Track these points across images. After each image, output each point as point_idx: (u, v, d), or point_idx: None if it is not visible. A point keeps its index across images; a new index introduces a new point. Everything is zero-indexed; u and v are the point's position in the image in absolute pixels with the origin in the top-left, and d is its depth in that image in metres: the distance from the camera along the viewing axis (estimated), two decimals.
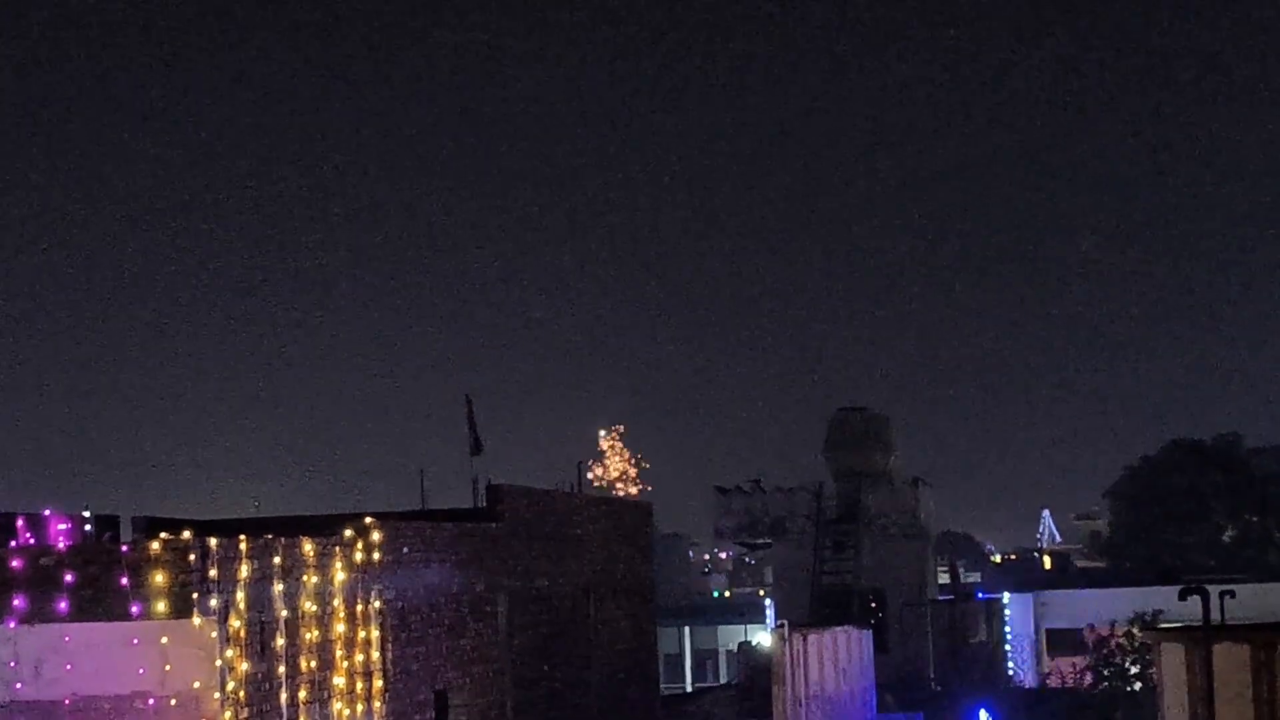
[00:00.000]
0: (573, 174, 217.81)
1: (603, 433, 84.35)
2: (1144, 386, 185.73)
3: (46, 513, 25.22)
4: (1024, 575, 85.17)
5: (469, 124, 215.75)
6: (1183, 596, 17.43)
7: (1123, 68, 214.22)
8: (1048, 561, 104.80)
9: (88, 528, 25.97)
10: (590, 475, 77.23)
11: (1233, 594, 18.22)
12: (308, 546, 22.97)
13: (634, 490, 79.16)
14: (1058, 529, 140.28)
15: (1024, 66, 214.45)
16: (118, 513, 27.97)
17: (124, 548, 20.53)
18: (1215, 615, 18.04)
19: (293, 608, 22.32)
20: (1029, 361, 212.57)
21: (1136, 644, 49.98)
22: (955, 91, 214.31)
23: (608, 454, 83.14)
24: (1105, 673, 51.66)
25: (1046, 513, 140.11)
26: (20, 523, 23.97)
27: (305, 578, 22.77)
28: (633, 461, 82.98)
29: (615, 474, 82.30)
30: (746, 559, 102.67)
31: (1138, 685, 49.83)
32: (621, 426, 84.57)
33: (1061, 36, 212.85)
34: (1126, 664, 51.00)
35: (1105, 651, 51.95)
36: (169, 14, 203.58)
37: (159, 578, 19.97)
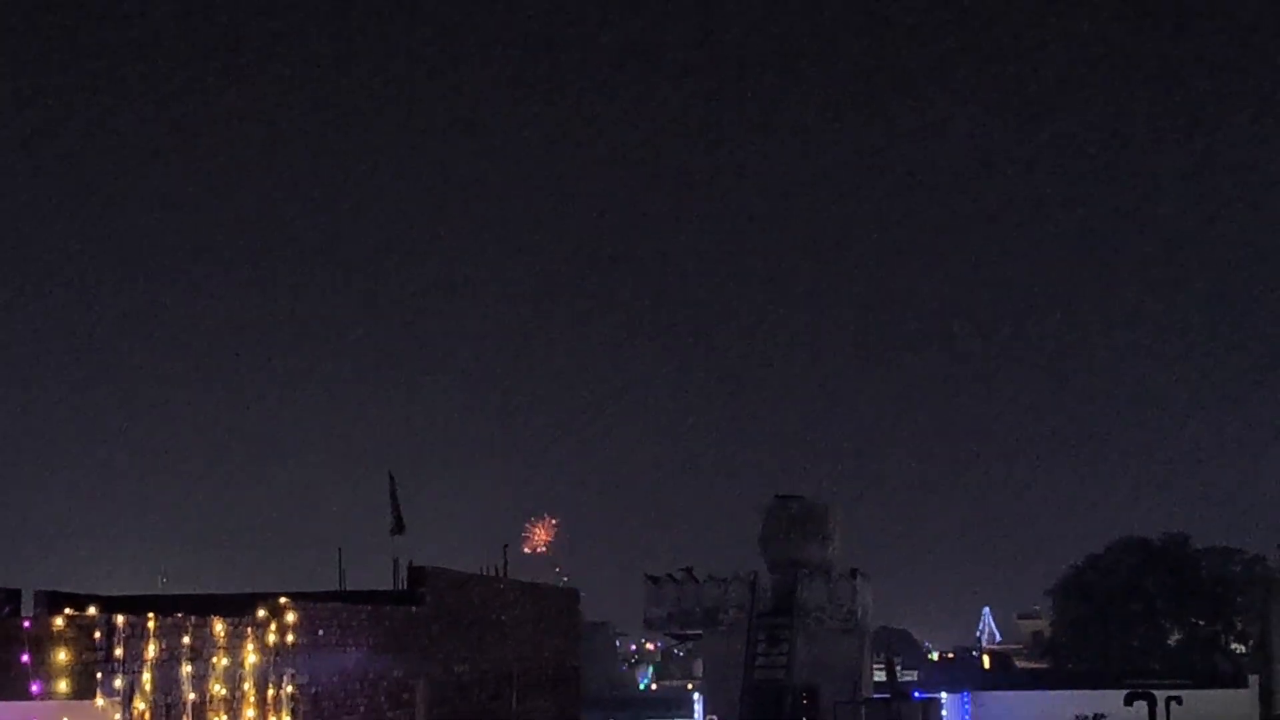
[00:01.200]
0: (503, 258, 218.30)
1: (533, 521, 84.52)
2: (1090, 485, 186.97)
3: None
4: (962, 674, 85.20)
5: (391, 210, 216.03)
6: (1129, 701, 17.48)
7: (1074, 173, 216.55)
8: (987, 661, 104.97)
9: None
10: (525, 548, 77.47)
11: (1179, 700, 18.28)
12: (219, 626, 22.83)
13: (555, 569, 79.16)
14: (999, 628, 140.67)
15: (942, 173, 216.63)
16: (19, 586, 27.76)
17: (25, 623, 20.35)
18: None
19: (201, 690, 22.18)
20: (973, 455, 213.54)
21: None
22: (886, 187, 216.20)
23: (537, 533, 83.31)
24: None
25: (987, 610, 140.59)
26: None
27: (215, 659, 22.63)
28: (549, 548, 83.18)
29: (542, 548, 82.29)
30: (675, 650, 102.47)
31: None
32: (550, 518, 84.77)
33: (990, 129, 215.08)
34: None
35: None
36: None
37: (61, 656, 19.79)
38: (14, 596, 26.82)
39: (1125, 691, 18.60)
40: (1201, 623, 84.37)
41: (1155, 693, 17.66)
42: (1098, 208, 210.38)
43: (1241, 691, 69.90)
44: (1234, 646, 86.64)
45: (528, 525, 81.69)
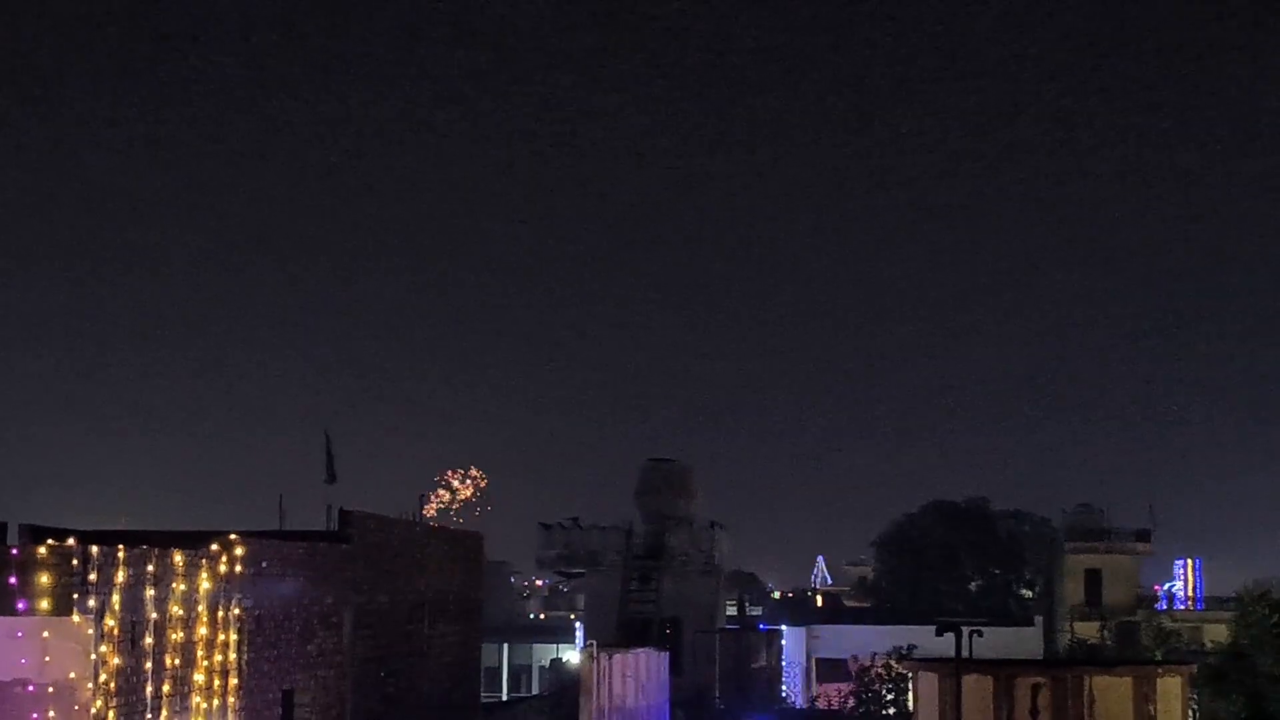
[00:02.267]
0: (430, 218, 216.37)
1: (454, 471, 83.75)
2: (908, 453, 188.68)
3: None
4: (799, 611, 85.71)
5: (341, 166, 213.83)
6: (939, 633, 17.70)
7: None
8: (820, 600, 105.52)
9: None
10: (436, 499, 76.84)
11: (980, 634, 18.55)
12: (178, 557, 22.61)
13: (475, 514, 78.76)
14: (830, 573, 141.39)
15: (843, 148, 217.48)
16: (4, 520, 27.34)
17: (13, 550, 20.09)
18: (964, 652, 18.35)
19: (161, 611, 21.96)
20: (812, 425, 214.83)
21: (893, 674, 50.59)
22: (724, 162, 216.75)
23: (458, 487, 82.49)
24: (865, 697, 52.18)
25: (821, 558, 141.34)
26: None
27: (174, 585, 22.40)
28: (476, 496, 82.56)
29: (463, 499, 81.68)
30: (560, 587, 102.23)
31: (892, 710, 50.40)
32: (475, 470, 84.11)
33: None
34: (883, 691, 51.57)
35: (866, 679, 52.48)
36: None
37: (44, 579, 19.55)
38: (0, 528, 26.41)
39: (935, 626, 18.95)
40: (997, 572, 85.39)
41: (961, 627, 18.02)
42: (901, 181, 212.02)
43: (1029, 629, 70.97)
44: (1023, 592, 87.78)
45: (448, 475, 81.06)
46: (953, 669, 17.04)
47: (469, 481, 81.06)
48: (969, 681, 17.01)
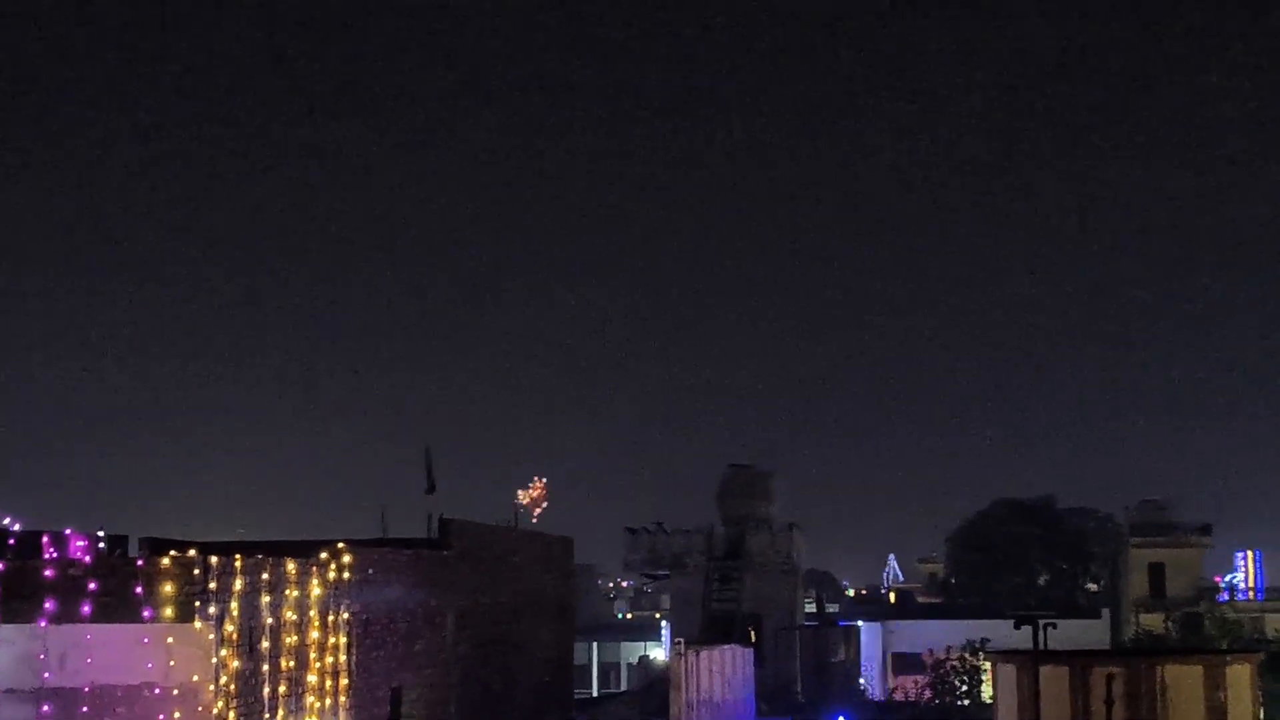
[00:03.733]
0: (520, 243, 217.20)
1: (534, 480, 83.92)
2: (978, 452, 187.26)
3: (67, 531, 24.95)
4: (874, 607, 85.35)
5: (424, 181, 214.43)
6: (1017, 626, 17.65)
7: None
8: (893, 596, 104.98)
9: (101, 545, 25.71)
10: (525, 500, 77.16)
11: (1054, 626, 18.47)
12: (290, 565, 22.86)
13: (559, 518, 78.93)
14: (901, 570, 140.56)
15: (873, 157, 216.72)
16: (126, 533, 27.68)
17: (139, 562, 20.38)
18: (1038, 643, 18.31)
19: (276, 616, 22.20)
20: (877, 425, 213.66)
21: (967, 666, 50.31)
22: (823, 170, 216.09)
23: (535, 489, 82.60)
24: (940, 689, 51.90)
25: (892, 557, 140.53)
26: (45, 539, 23.71)
27: (287, 591, 22.65)
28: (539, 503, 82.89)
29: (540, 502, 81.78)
30: (645, 588, 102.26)
31: (966, 701, 50.12)
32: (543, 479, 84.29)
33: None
34: (958, 683, 51.28)
35: (940, 672, 52.20)
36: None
37: (167, 588, 19.82)
38: (121, 541, 26.74)
39: (1011, 620, 18.81)
40: (1064, 567, 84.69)
41: (1037, 620, 17.97)
42: (976, 188, 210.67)
43: (1096, 621, 70.40)
44: (1090, 586, 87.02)
45: (523, 491, 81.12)
46: (1030, 660, 16.96)
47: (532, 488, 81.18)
48: (1046, 672, 16.95)
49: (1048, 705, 16.79)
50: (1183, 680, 16.53)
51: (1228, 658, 17.11)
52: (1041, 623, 19.00)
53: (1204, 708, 16.57)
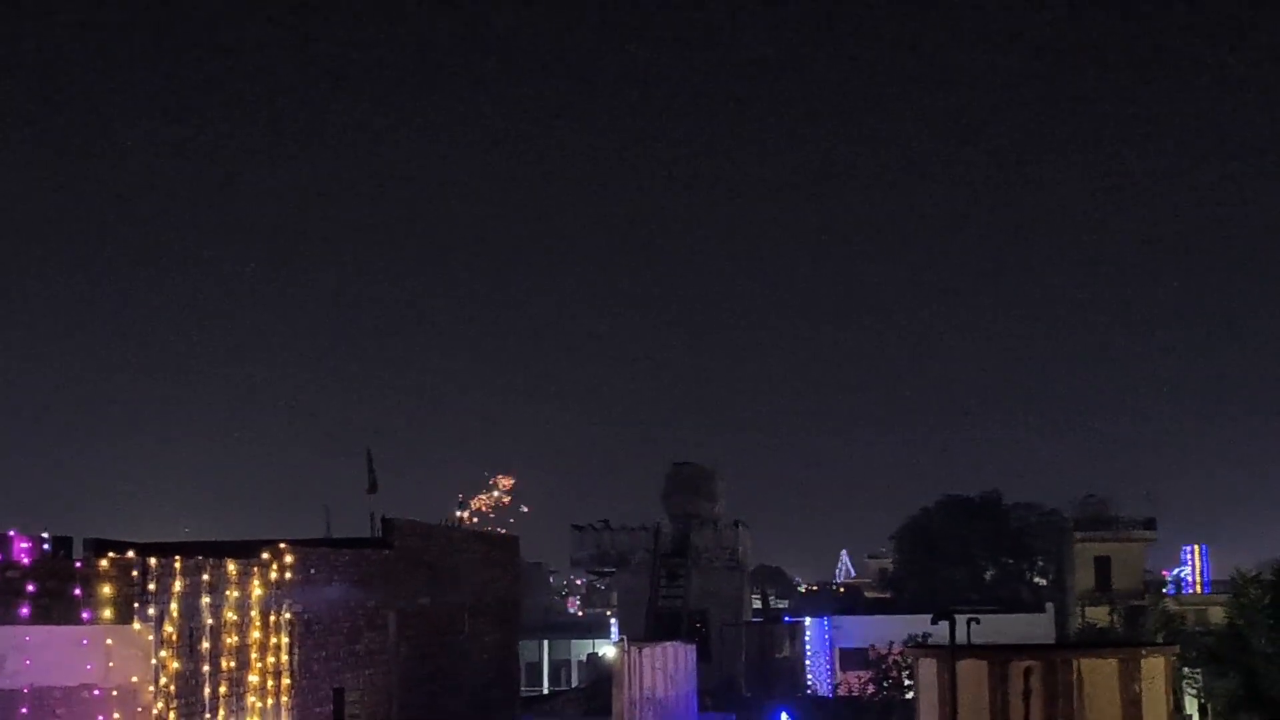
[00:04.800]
0: (466, 241, 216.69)
1: (500, 478, 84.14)
2: (923, 449, 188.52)
3: (11, 533, 25.13)
4: (824, 603, 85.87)
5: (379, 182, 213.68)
6: (934, 621, 18.09)
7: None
8: (843, 592, 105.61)
9: (45, 546, 25.87)
10: (476, 505, 77.04)
11: (978, 620, 18.87)
12: (231, 566, 23.07)
13: (510, 520, 79.31)
14: (853, 566, 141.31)
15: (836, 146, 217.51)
16: (70, 534, 27.85)
17: (78, 564, 20.60)
18: (963, 637, 18.68)
19: (217, 617, 22.40)
20: (830, 422, 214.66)
21: (909, 661, 50.81)
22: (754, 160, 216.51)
23: (499, 487, 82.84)
24: (884, 684, 52.42)
25: (844, 552, 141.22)
26: None
27: (228, 592, 22.86)
28: (508, 499, 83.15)
29: (501, 504, 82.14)
30: (597, 584, 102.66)
31: (910, 695, 50.63)
32: (509, 478, 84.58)
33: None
34: (902, 677, 51.80)
35: (884, 666, 52.72)
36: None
37: (106, 589, 20.05)
38: (65, 542, 26.92)
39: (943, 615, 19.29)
40: (1010, 562, 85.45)
41: (958, 616, 18.31)
42: (920, 180, 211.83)
43: (1041, 615, 71.12)
44: (1036, 580, 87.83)
45: (492, 480, 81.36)
46: (949, 654, 17.42)
47: (497, 486, 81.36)
48: (964, 666, 17.39)
49: (965, 699, 17.25)
50: (1098, 673, 17.01)
51: (1143, 650, 17.61)
52: (965, 617, 19.40)
53: (1120, 700, 17.06)
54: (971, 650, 17.58)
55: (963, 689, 17.24)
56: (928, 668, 18.13)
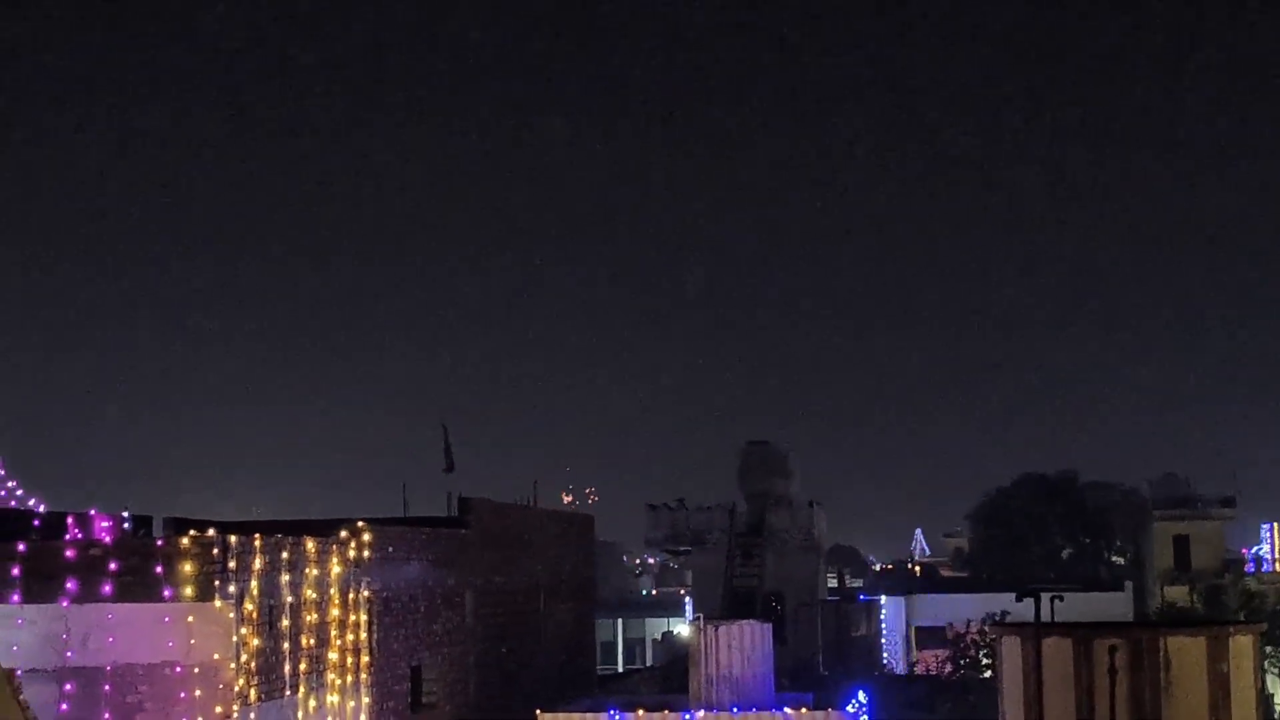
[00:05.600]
0: (538, 217, 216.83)
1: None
2: (1001, 428, 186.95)
3: (92, 512, 25.32)
4: (899, 582, 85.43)
5: (455, 142, 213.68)
6: (1019, 598, 17.85)
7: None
8: (918, 571, 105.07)
9: (126, 525, 26.07)
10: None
11: (1061, 598, 18.65)
12: (310, 544, 23.18)
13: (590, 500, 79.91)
14: (928, 545, 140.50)
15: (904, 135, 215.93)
16: (151, 514, 28.06)
17: (159, 542, 20.73)
18: (1046, 615, 18.45)
19: (296, 595, 22.52)
20: (908, 401, 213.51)
21: (988, 640, 50.43)
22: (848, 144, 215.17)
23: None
24: (962, 663, 52.06)
25: (919, 531, 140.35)
26: (70, 520, 24.10)
27: (307, 570, 22.98)
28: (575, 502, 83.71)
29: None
30: (670, 564, 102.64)
31: (988, 674, 50.25)
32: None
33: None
34: (980, 656, 51.43)
35: (962, 645, 52.36)
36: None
37: (187, 567, 20.18)
38: (146, 522, 27.12)
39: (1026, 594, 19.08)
40: (1087, 541, 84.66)
41: (1042, 593, 18.06)
42: (998, 158, 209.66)
43: (1119, 594, 70.44)
44: (1114, 560, 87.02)
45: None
46: (1034, 633, 17.19)
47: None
48: (1049, 644, 17.16)
49: (1050, 677, 17.02)
50: (1186, 651, 16.73)
51: (1231, 628, 17.30)
52: (1049, 595, 19.18)
53: (1207, 678, 16.78)
54: (1056, 628, 17.33)
55: (1047, 667, 17.03)
56: (1011, 646, 17.92)
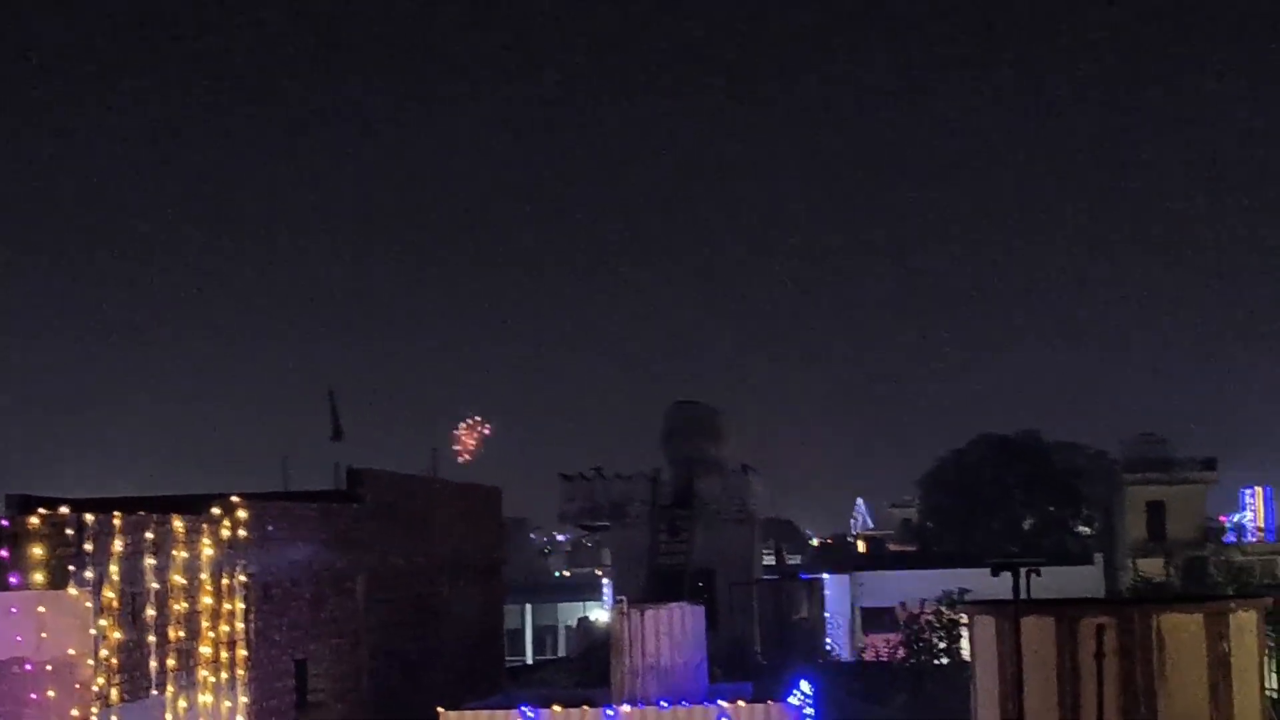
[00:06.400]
0: (438, 179, 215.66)
1: (464, 423, 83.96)
2: (953, 385, 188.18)
3: None
4: (841, 558, 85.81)
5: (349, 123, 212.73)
6: (995, 573, 17.65)
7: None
8: (861, 545, 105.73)
9: None
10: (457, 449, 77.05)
11: (1039, 573, 18.54)
12: (178, 523, 22.82)
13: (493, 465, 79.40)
14: (872, 516, 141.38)
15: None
16: None
17: (3, 522, 20.30)
18: (1022, 592, 18.31)
19: (162, 581, 22.20)
20: (846, 357, 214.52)
21: (944, 621, 50.68)
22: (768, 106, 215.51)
23: (464, 433, 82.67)
24: (915, 647, 52.27)
25: (860, 501, 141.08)
26: None
27: (175, 553, 22.63)
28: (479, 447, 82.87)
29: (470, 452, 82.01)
30: (584, 541, 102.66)
31: (944, 659, 50.52)
32: (479, 418, 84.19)
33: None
34: (934, 639, 51.67)
35: (915, 628, 52.56)
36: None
37: (37, 551, 19.77)
38: None
39: (989, 566, 18.83)
40: (1052, 509, 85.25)
41: (1019, 566, 17.96)
42: (951, 126, 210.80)
43: (1088, 567, 71.13)
44: (1081, 529, 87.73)
45: (458, 431, 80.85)
46: (1011, 611, 17.03)
47: (470, 426, 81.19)
48: (1029, 623, 16.98)
49: (1031, 660, 16.86)
50: (1181, 630, 16.58)
51: (1231, 604, 17.19)
52: (1024, 569, 19.06)
53: (1205, 659, 16.65)
54: (1037, 606, 17.19)
55: (1028, 649, 16.85)
56: (986, 626, 17.71)
